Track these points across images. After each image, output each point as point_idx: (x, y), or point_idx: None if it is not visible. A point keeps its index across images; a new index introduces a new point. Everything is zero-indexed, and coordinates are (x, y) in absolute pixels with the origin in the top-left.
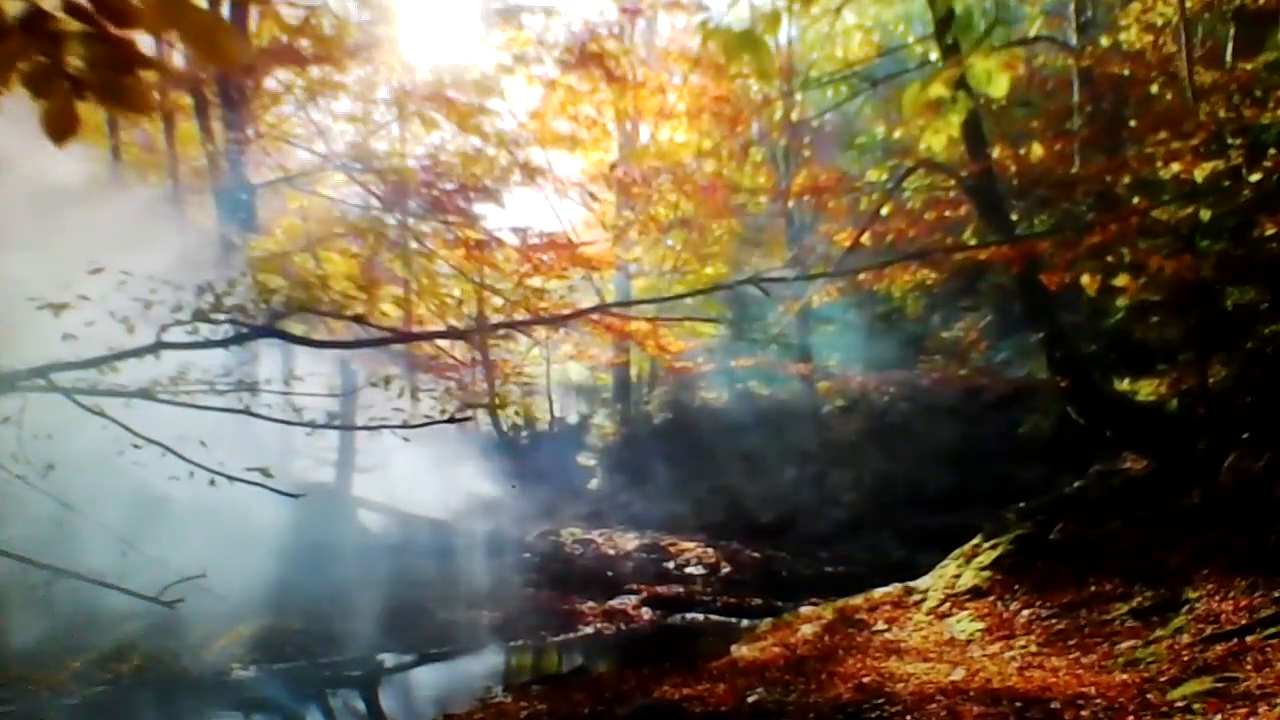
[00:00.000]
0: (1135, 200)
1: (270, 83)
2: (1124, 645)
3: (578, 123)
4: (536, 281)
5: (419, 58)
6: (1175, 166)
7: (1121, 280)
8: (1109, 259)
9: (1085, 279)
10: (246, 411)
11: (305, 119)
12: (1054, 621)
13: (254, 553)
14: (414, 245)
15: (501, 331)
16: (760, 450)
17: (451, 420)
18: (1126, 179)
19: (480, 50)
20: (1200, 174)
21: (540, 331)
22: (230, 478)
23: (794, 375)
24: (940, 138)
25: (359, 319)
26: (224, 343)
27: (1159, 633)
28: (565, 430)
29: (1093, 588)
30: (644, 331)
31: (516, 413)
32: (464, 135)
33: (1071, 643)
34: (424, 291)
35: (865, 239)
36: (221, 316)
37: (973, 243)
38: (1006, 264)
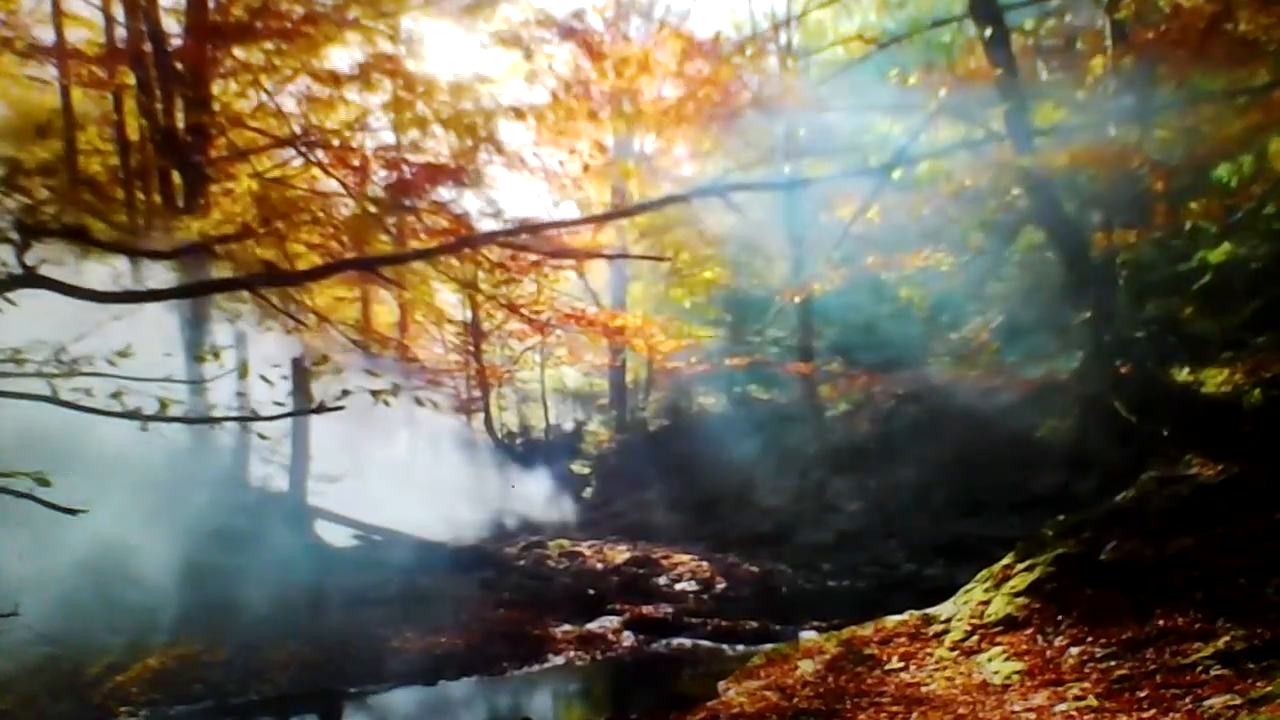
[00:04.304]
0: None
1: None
2: (1215, 702)
3: (559, 102)
4: (530, 280)
5: (391, 37)
6: None
7: None
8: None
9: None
10: (52, 399)
11: (262, 97)
12: (1113, 664)
13: (179, 570)
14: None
15: (493, 333)
16: (760, 457)
17: (319, 410)
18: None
19: (457, 31)
20: None
21: (532, 335)
22: None
23: (795, 377)
24: None
25: (122, 249)
26: None
27: (1265, 688)
28: (560, 437)
29: (1160, 621)
30: (634, 328)
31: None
32: (440, 122)
33: (1141, 694)
34: (411, 287)
35: (872, 214)
36: None
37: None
38: (1097, 166)
